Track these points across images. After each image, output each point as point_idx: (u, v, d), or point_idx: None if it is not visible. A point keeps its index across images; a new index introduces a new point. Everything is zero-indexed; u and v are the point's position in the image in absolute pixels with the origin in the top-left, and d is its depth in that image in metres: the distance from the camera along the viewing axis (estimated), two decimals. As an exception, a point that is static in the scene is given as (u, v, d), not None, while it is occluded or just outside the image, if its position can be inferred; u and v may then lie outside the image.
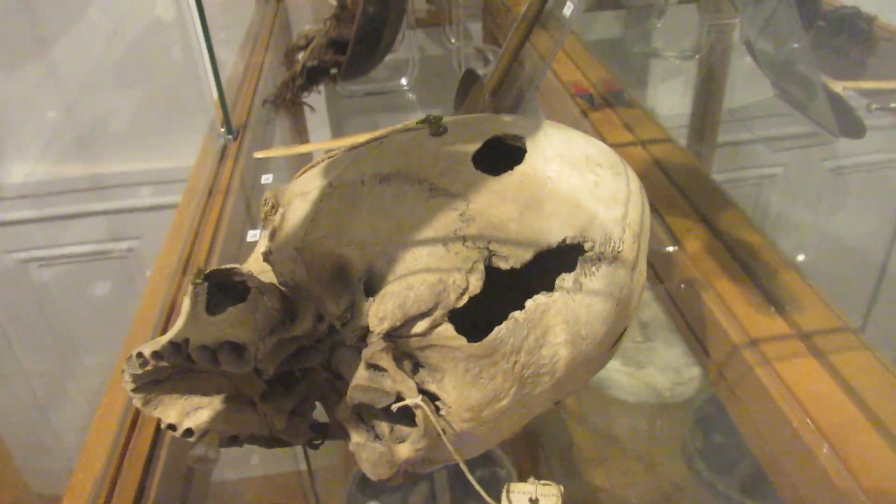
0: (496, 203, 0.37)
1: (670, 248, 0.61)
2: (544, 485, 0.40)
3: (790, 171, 0.94)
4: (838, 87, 0.82)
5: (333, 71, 0.93)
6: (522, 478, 0.42)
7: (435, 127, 0.41)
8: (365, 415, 0.37)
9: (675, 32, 1.08)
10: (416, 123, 0.43)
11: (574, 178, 0.39)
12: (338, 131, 1.09)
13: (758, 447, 0.49)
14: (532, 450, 0.87)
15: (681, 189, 0.67)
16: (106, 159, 1.40)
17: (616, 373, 1.03)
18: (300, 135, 1.02)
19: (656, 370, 1.03)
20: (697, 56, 1.05)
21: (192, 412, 0.39)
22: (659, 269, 0.63)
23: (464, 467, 0.35)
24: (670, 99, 1.02)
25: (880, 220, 0.85)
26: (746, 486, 0.88)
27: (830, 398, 0.45)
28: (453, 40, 1.09)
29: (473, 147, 0.39)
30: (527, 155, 0.39)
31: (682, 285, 0.59)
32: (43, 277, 1.45)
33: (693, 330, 0.57)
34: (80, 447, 0.46)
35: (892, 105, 0.81)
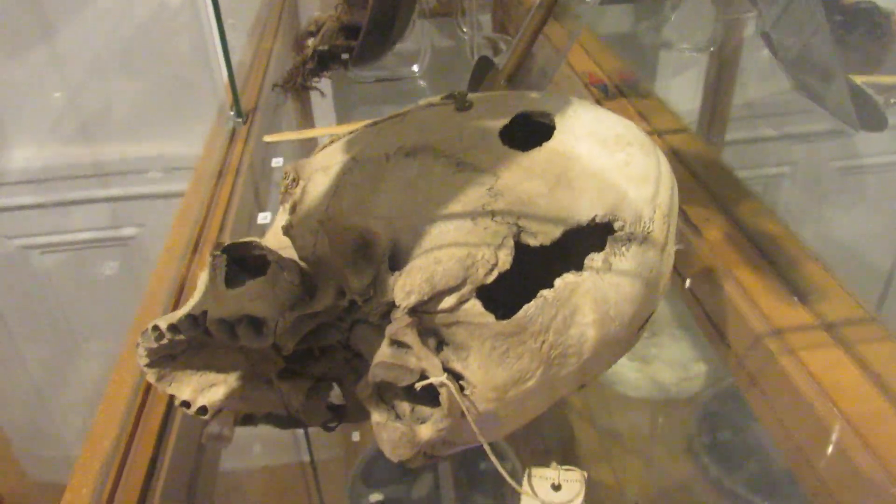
0: (525, 179, 0.35)
1: (680, 246, 0.60)
2: (567, 470, 0.39)
3: (803, 168, 0.93)
4: (858, 81, 0.81)
5: (345, 56, 0.91)
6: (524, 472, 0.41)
7: (460, 102, 0.40)
8: (385, 394, 0.36)
9: (689, 25, 1.07)
10: (441, 99, 0.42)
11: (604, 157, 0.38)
12: (343, 117, 1.08)
13: (780, 438, 0.48)
14: (536, 444, 0.86)
15: (698, 178, 0.66)
16: (111, 145, 1.38)
17: (622, 368, 1.02)
18: (308, 120, 1.00)
19: (663, 365, 1.02)
20: (711, 49, 1.04)
21: (206, 389, 0.37)
22: (678, 261, 0.62)
23: (487, 448, 0.34)
24: (686, 91, 1.01)
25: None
26: (753, 483, 0.87)
27: (857, 388, 0.44)
28: (465, 30, 1.08)
29: (500, 122, 0.38)
30: (556, 132, 0.38)
31: (702, 276, 0.58)
32: (44, 264, 1.44)
33: (712, 320, 0.56)
34: (88, 428, 0.45)
35: (912, 99, 0.80)
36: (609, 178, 0.37)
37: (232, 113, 0.84)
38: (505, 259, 0.33)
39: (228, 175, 0.72)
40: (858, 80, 0.82)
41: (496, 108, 0.40)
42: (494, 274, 0.33)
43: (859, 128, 0.70)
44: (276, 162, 0.77)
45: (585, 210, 0.36)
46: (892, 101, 0.82)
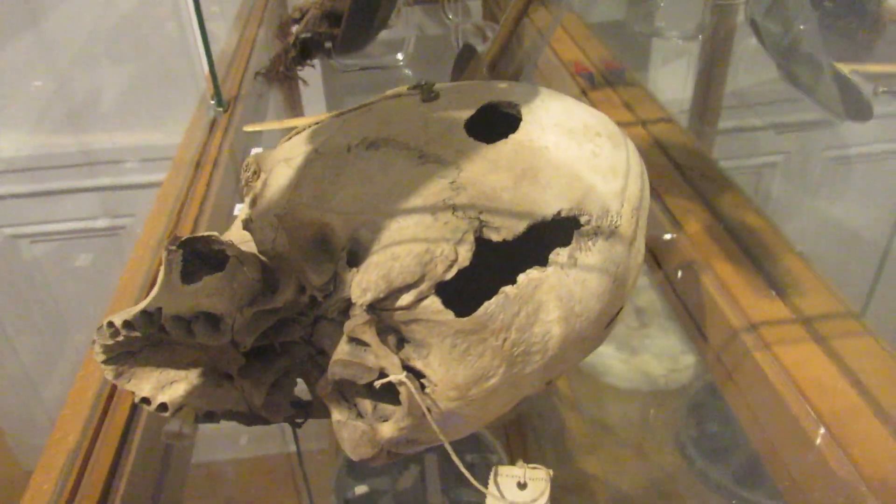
0: (489, 172, 0.35)
1: (668, 236, 0.59)
2: (533, 468, 0.38)
3: (792, 157, 0.92)
4: (845, 69, 0.80)
5: (328, 44, 0.90)
6: (514, 464, 0.40)
7: (426, 92, 0.39)
8: (347, 392, 0.35)
9: (678, 12, 1.06)
10: (407, 89, 0.41)
11: (571, 148, 0.37)
12: (333, 106, 1.07)
13: (754, 433, 0.47)
14: (524, 436, 0.85)
15: (681, 169, 0.65)
16: (98, 133, 1.37)
17: (610, 359, 1.02)
18: (294, 109, 0.99)
19: (651, 357, 1.02)
20: (700, 37, 1.03)
21: (167, 386, 0.37)
22: (657, 253, 0.61)
23: (449, 448, 0.34)
24: (672, 80, 1.00)
25: (885, 207, 0.83)
26: (739, 476, 0.87)
27: (831, 384, 0.43)
28: (451, 16, 1.07)
29: (466, 114, 0.38)
30: (522, 123, 0.38)
31: (680, 269, 0.58)
32: (34, 253, 1.43)
33: (691, 313, 0.55)
34: (55, 420, 0.45)
35: (900, 88, 0.79)
36: (576, 171, 0.36)
37: (213, 102, 0.83)
38: (465, 255, 0.32)
39: (206, 166, 0.71)
40: (847, 68, 0.81)
41: (463, 98, 0.39)
42: (454, 270, 0.32)
43: (845, 117, 0.69)
44: (256, 152, 0.76)
45: (551, 203, 0.35)
46: (880, 90, 0.81)
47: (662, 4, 1.07)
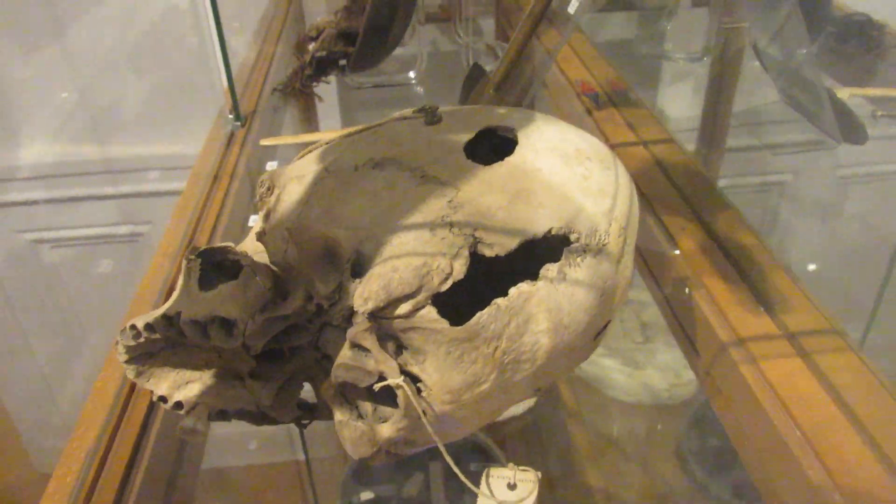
0: (485, 192, 0.37)
1: (673, 250, 0.61)
2: (522, 471, 0.41)
3: (796, 177, 0.94)
4: (846, 93, 0.82)
5: (342, 62, 0.94)
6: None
7: (430, 116, 0.42)
8: (349, 394, 0.38)
9: (685, 35, 1.08)
10: (413, 112, 0.44)
11: (563, 171, 0.39)
12: (348, 122, 1.10)
13: (740, 445, 0.49)
14: (528, 446, 0.87)
15: (679, 188, 0.68)
16: (119, 143, 1.41)
17: (615, 373, 1.04)
18: (309, 124, 1.03)
19: (655, 371, 1.04)
20: (705, 59, 1.05)
21: (182, 385, 0.40)
22: (655, 270, 0.64)
23: (442, 448, 0.36)
24: (678, 101, 1.02)
25: (884, 227, 0.85)
26: (739, 490, 0.88)
27: (812, 397, 0.45)
28: (462, 35, 1.10)
29: (466, 137, 0.40)
30: (518, 146, 0.40)
31: (675, 285, 0.60)
32: (53, 258, 1.47)
33: (684, 328, 0.58)
34: (76, 419, 0.47)
35: (897, 113, 0.81)
36: (567, 192, 0.39)
37: (231, 116, 0.86)
38: (460, 269, 0.35)
39: (224, 178, 0.74)
40: (847, 92, 0.83)
41: (464, 122, 0.42)
42: (449, 282, 0.35)
43: (842, 140, 0.71)
44: (271, 165, 0.79)
45: (542, 222, 0.37)
46: (879, 113, 0.83)
47: (669, 27, 1.09)
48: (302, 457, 0.85)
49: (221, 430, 0.44)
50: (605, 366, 1.01)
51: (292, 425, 0.44)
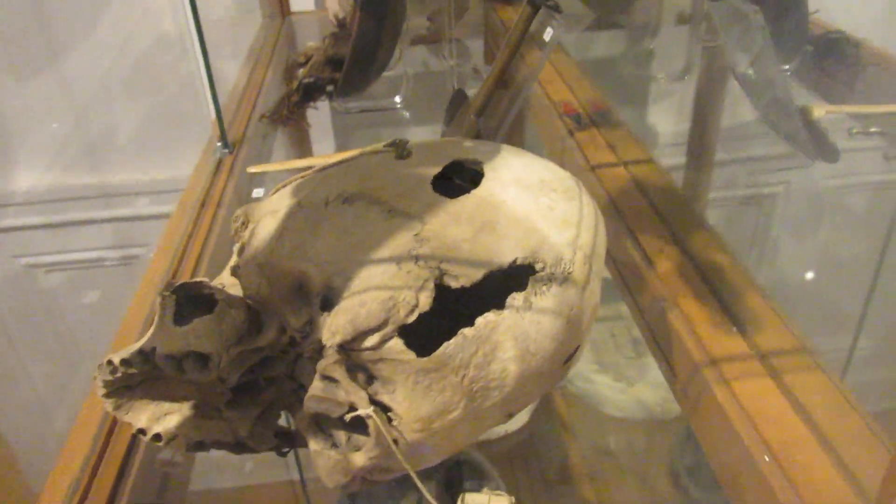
0: (451, 224, 0.39)
1: (649, 271, 0.62)
2: (497, 495, 0.42)
3: (772, 193, 0.95)
4: (822, 110, 0.84)
5: (329, 88, 0.95)
6: (511, 492, 0.44)
7: (400, 150, 0.43)
8: (324, 423, 0.39)
9: (667, 54, 1.10)
10: (384, 146, 0.45)
11: (528, 202, 0.41)
12: (341, 146, 1.11)
13: (715, 463, 0.50)
14: (521, 463, 0.88)
15: (656, 209, 0.69)
16: (113, 169, 1.43)
17: (607, 389, 1.05)
18: (300, 150, 1.04)
19: (647, 387, 1.04)
20: (686, 77, 1.07)
21: (161, 418, 0.41)
22: (634, 291, 0.65)
23: (414, 476, 0.37)
24: (660, 119, 1.04)
25: (858, 236, 0.86)
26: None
27: (781, 416, 0.46)
28: (448, 58, 1.11)
29: (434, 170, 0.42)
30: (484, 179, 0.41)
31: (652, 305, 0.61)
32: (49, 282, 1.48)
33: (661, 348, 0.59)
34: (60, 449, 0.48)
35: (872, 130, 0.83)
36: (531, 223, 0.40)
37: (219, 144, 0.88)
38: (425, 301, 0.36)
39: (210, 205, 0.76)
40: (822, 110, 0.84)
41: (433, 156, 0.43)
42: (415, 314, 0.36)
43: (815, 158, 0.73)
44: (258, 192, 0.80)
45: (507, 253, 0.38)
46: (854, 130, 0.85)
47: (652, 46, 1.11)
48: (297, 477, 0.86)
49: (216, 450, 0.45)
50: (597, 381, 1.02)
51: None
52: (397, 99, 1.03)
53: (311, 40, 1.26)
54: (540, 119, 0.95)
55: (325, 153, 1.06)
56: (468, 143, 0.45)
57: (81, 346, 1.51)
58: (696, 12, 1.13)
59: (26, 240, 1.44)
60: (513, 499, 0.42)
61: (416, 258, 0.37)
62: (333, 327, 0.35)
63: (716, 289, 0.58)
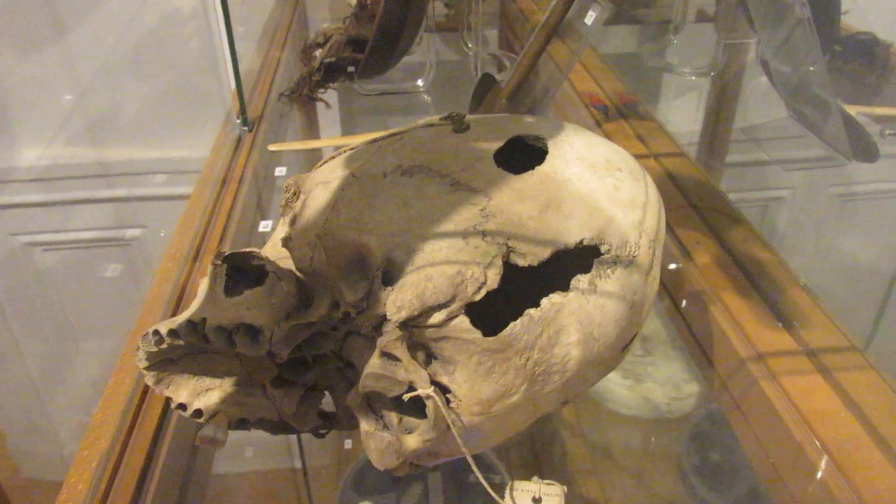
0: (516, 201, 0.37)
1: (687, 264, 0.61)
2: (548, 484, 0.40)
3: (799, 193, 0.94)
4: (853, 110, 0.83)
5: (351, 69, 0.93)
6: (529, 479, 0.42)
7: (458, 123, 0.41)
8: (375, 404, 0.37)
9: (690, 49, 1.09)
10: (439, 120, 0.43)
11: (594, 181, 0.39)
12: (350, 129, 1.10)
13: (758, 460, 0.49)
14: (527, 459, 0.87)
15: (691, 202, 0.68)
16: (117, 147, 1.40)
17: (615, 385, 1.04)
18: (313, 130, 1.02)
19: (655, 384, 1.03)
20: (712, 74, 1.05)
21: (202, 393, 0.39)
22: (669, 283, 0.63)
23: (471, 460, 0.36)
24: (683, 115, 1.02)
25: (889, 246, 0.85)
26: (740, 505, 0.87)
27: (835, 415, 0.45)
28: (470, 45, 1.10)
29: (496, 145, 0.40)
30: (548, 156, 0.40)
31: (690, 298, 0.59)
32: (46, 261, 1.45)
33: (699, 342, 0.57)
34: (87, 426, 0.46)
35: (905, 131, 0.82)
36: (597, 203, 0.38)
37: (238, 121, 0.86)
38: (494, 278, 0.34)
39: (232, 182, 0.74)
40: (854, 110, 0.83)
41: (492, 130, 0.41)
42: (483, 292, 0.34)
43: (852, 158, 0.71)
44: (279, 171, 0.79)
45: (573, 233, 0.37)
46: (887, 132, 0.84)
47: (675, 41, 1.10)
48: (299, 465, 0.84)
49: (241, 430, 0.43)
50: (605, 377, 1.01)
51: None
52: (419, 82, 1.01)
53: (324, 22, 1.24)
54: (565, 109, 0.93)
55: (333, 135, 1.04)
56: (529, 119, 0.43)
57: (77, 328, 1.48)
58: (720, 9, 1.12)
59: (24, 217, 1.41)
60: (565, 488, 0.40)
61: (483, 234, 0.35)
62: (399, 302, 0.33)
63: (757, 283, 0.57)
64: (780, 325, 0.53)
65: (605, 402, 1.03)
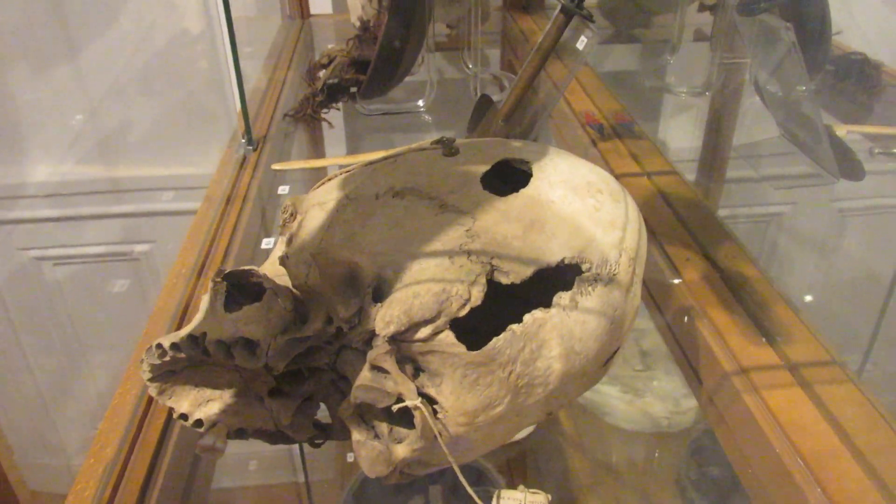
0: (501, 222, 0.39)
1: (676, 280, 0.63)
2: (533, 493, 0.42)
3: (794, 210, 0.96)
4: (843, 130, 0.85)
5: (353, 89, 0.96)
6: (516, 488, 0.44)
7: (448, 148, 0.43)
8: (366, 415, 0.39)
9: (687, 69, 1.11)
10: (430, 144, 0.45)
11: (575, 203, 0.41)
12: (353, 148, 1.12)
13: (743, 473, 0.51)
14: (526, 472, 0.88)
15: (682, 220, 0.69)
16: (126, 164, 1.43)
17: (614, 400, 1.05)
18: (317, 149, 1.05)
19: (655, 399, 1.04)
20: (707, 93, 1.07)
21: (203, 404, 0.41)
22: (659, 299, 0.65)
23: (457, 469, 0.37)
24: (679, 134, 1.04)
25: (879, 261, 0.87)
26: (738, 519, 0.88)
27: (813, 427, 0.46)
28: (471, 66, 1.12)
29: (483, 168, 0.42)
30: (532, 179, 0.42)
31: (679, 314, 0.61)
32: (56, 276, 1.48)
33: (687, 357, 0.59)
34: (93, 436, 0.48)
35: (895, 150, 0.84)
36: (579, 223, 0.40)
37: (244, 140, 0.88)
38: (477, 295, 0.36)
39: (237, 200, 0.76)
40: (844, 129, 0.85)
41: (480, 154, 0.44)
42: (467, 308, 0.36)
43: (839, 176, 0.73)
44: (283, 189, 0.81)
45: (555, 252, 0.39)
46: (876, 151, 0.85)
47: (672, 61, 1.12)
48: (301, 479, 0.86)
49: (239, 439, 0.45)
50: (604, 392, 1.02)
51: (292, 446, 0.44)
52: (420, 102, 1.04)
53: (329, 43, 1.26)
54: (562, 128, 0.95)
55: (337, 155, 1.06)
56: (516, 143, 0.45)
57: (85, 342, 1.50)
58: (717, 30, 1.14)
59: (34, 232, 1.44)
60: (549, 496, 0.42)
61: (468, 253, 0.37)
62: (387, 317, 0.35)
63: (743, 299, 0.58)
64: (763, 339, 0.54)
65: (605, 417, 1.05)
